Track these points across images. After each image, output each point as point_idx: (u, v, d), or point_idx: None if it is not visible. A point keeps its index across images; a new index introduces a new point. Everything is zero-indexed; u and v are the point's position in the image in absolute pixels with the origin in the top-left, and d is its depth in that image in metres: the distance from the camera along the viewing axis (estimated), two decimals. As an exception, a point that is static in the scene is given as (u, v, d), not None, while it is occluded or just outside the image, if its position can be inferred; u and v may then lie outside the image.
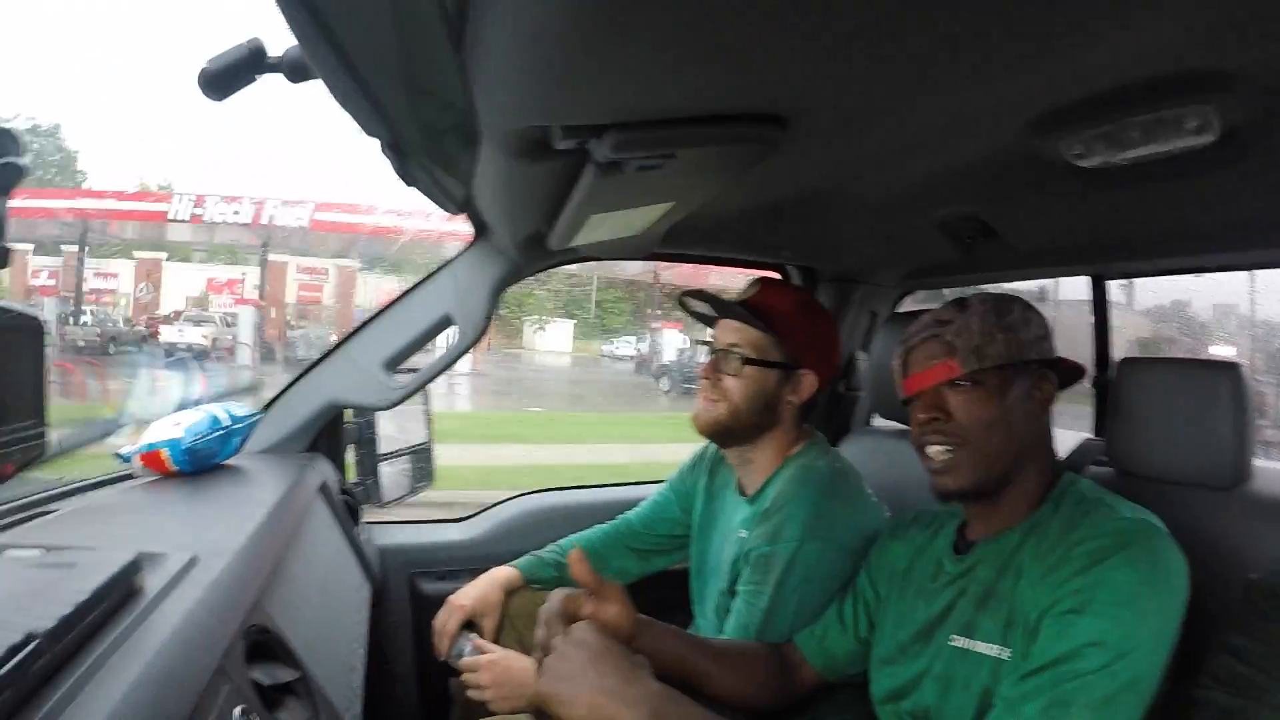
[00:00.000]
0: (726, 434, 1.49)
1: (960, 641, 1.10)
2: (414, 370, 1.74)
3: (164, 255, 27.31)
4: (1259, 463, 1.35)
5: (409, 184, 0.97)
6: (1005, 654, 1.03)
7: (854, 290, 2.17)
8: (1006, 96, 0.93)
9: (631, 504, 1.87)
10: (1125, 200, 1.32)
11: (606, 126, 0.80)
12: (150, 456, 1.30)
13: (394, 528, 1.99)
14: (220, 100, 0.84)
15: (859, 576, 1.34)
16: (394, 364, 1.70)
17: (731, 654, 1.29)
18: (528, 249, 1.51)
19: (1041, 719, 0.89)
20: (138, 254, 26.83)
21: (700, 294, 1.51)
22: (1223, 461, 1.27)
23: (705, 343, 1.54)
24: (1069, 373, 1.22)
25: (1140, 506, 1.04)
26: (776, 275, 2.10)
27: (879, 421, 2.22)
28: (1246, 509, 1.27)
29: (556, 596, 1.15)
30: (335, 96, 0.68)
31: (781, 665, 1.32)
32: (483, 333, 1.69)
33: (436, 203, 1.17)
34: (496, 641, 1.56)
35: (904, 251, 1.89)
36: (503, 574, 1.65)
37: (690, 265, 2.57)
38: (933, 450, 1.14)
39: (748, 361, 1.45)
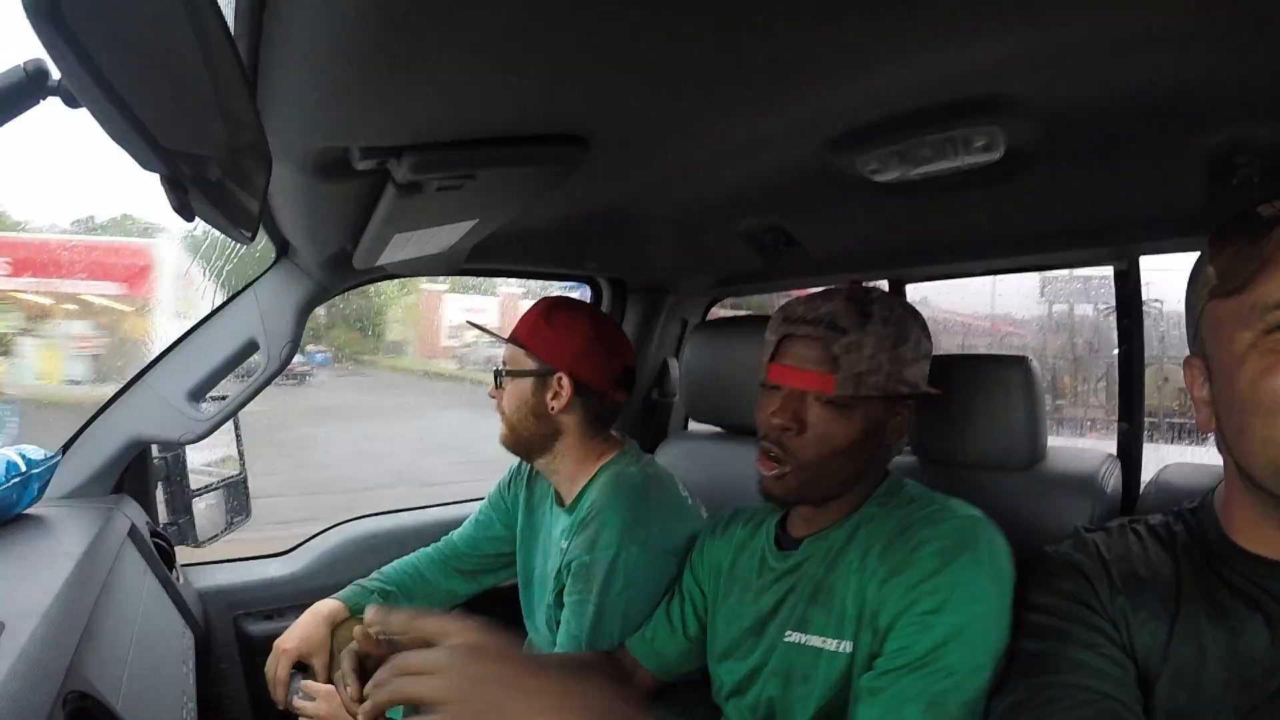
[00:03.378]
0: (519, 448, 1.55)
1: (795, 637, 1.12)
2: (221, 398, 1.64)
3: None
4: (1054, 442, 1.50)
5: (188, 219, 0.92)
6: (844, 646, 1.06)
7: (664, 299, 2.21)
8: (804, 117, 0.96)
9: (455, 523, 1.82)
10: (919, 211, 1.40)
11: (405, 148, 0.78)
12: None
13: (213, 568, 1.84)
14: None
15: (684, 576, 1.35)
16: (199, 394, 1.57)
17: (568, 666, 1.27)
18: (332, 268, 1.45)
19: (925, 718, 0.93)
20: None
21: (480, 327, 1.67)
22: (1019, 445, 1.40)
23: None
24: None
25: (965, 503, 1.09)
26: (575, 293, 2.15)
27: (695, 425, 2.30)
28: (1042, 485, 1.41)
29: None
30: (104, 128, 0.64)
31: (619, 672, 1.33)
32: (290, 356, 1.61)
33: (226, 234, 1.11)
34: (329, 678, 1.49)
35: (711, 261, 1.94)
36: (325, 608, 1.58)
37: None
38: (771, 457, 1.13)
39: (508, 375, 1.52)
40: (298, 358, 1.68)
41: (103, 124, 0.60)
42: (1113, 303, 1.66)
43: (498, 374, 1.54)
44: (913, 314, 1.14)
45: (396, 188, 0.83)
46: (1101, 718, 0.77)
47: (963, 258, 1.75)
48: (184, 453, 1.70)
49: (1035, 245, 1.59)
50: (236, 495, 1.85)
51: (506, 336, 1.55)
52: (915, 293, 2.06)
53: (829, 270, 1.88)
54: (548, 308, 1.54)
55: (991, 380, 1.42)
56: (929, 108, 0.95)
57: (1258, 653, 0.76)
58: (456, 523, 1.82)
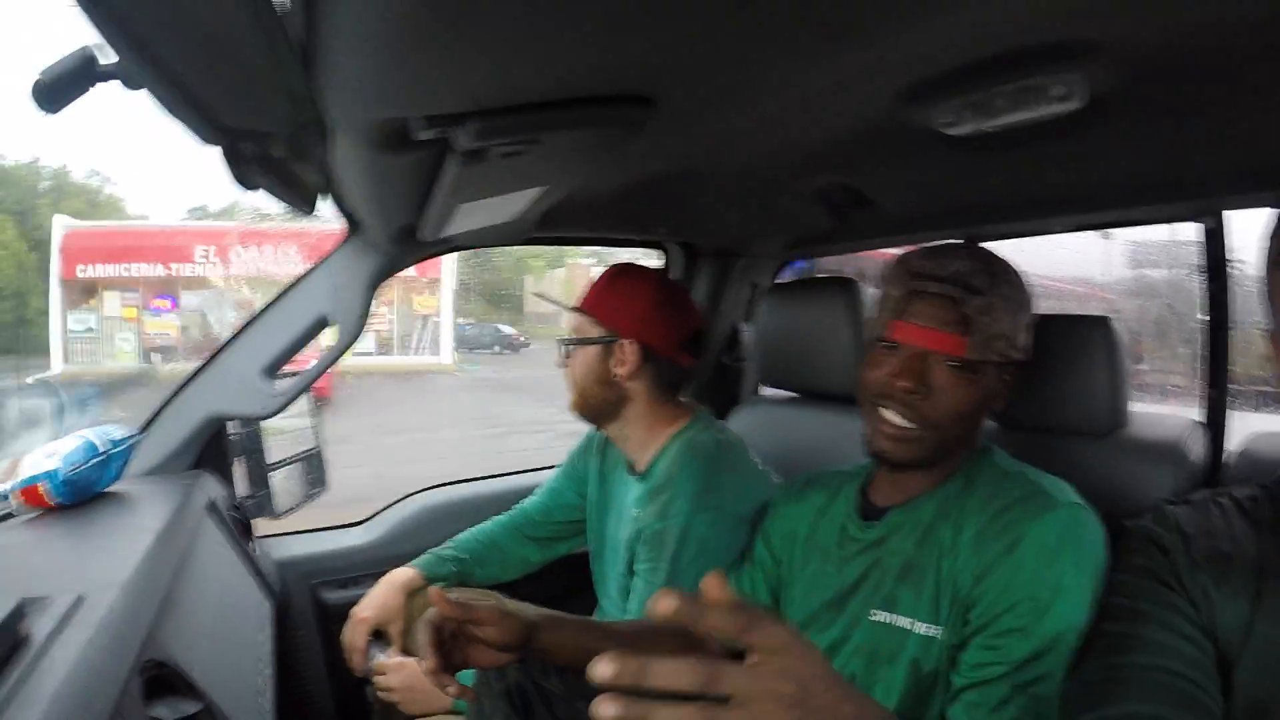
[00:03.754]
0: (587, 413, 1.57)
1: (881, 615, 1.09)
2: (294, 374, 1.68)
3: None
4: (1136, 408, 1.44)
5: (249, 189, 0.93)
6: (935, 631, 1.03)
7: (734, 263, 2.18)
8: (873, 67, 0.92)
9: (528, 492, 1.86)
10: (996, 165, 1.35)
11: (467, 114, 0.77)
12: (29, 492, 1.20)
13: (291, 539, 1.92)
14: (55, 112, 0.79)
15: (756, 544, 1.33)
16: (273, 370, 1.62)
17: (638, 636, 1.27)
18: (400, 242, 1.47)
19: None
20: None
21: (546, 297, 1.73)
22: (1099, 409, 1.35)
23: None
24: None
25: (1062, 483, 1.06)
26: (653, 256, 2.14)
27: (767, 391, 2.27)
28: (1124, 452, 1.36)
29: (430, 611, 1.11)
30: (163, 108, 0.64)
31: (689, 641, 1.33)
32: (360, 330, 1.64)
33: (287, 204, 1.13)
34: (405, 645, 1.53)
35: (781, 223, 1.91)
36: (401, 576, 1.63)
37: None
38: (894, 417, 1.08)
39: (570, 343, 1.55)
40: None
41: (162, 103, 0.61)
42: (1195, 264, 1.58)
43: (565, 343, 1.56)
44: (1027, 288, 1.11)
45: (460, 156, 0.83)
46: (1174, 699, 0.75)
47: (1041, 214, 1.68)
48: (258, 427, 1.74)
49: (1117, 200, 1.52)
50: (313, 468, 1.91)
51: (573, 307, 1.56)
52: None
53: (902, 229, 1.84)
54: (612, 275, 1.55)
55: (1071, 341, 1.37)
56: (1004, 54, 0.90)
57: None
58: (529, 491, 1.85)
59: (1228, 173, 1.28)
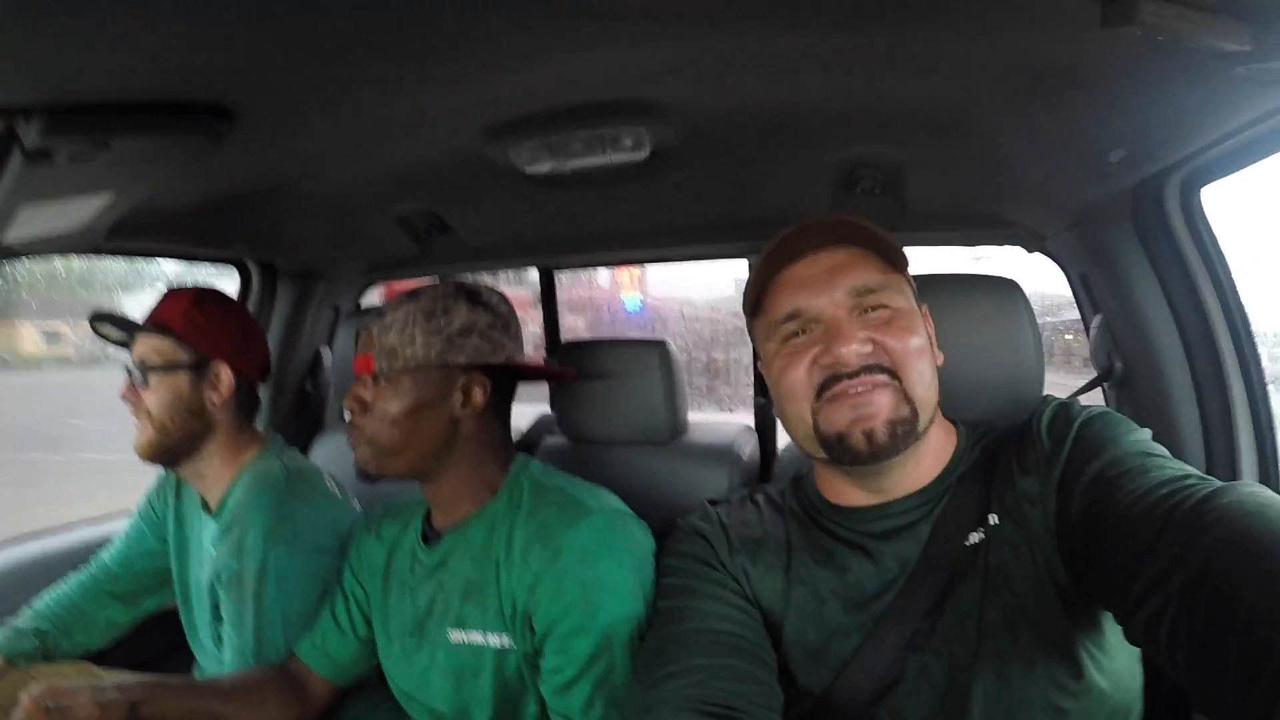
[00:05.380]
0: (167, 454, 1.40)
1: (458, 635, 1.14)
2: None
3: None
4: (695, 417, 1.66)
5: None
6: (506, 642, 1.10)
7: (315, 285, 2.12)
8: (459, 103, 0.99)
9: (104, 542, 1.61)
10: (571, 202, 1.48)
11: (34, 109, 0.71)
12: None
13: None
14: None
15: (345, 575, 1.32)
16: None
17: (241, 688, 1.21)
18: None
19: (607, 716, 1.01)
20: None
21: (108, 316, 1.41)
22: (661, 421, 1.53)
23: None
24: (537, 373, 1.33)
25: (598, 490, 1.17)
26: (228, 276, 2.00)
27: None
28: (685, 457, 1.55)
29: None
30: None
31: (292, 684, 1.27)
32: None
33: None
34: None
35: (363, 245, 1.91)
36: None
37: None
38: (351, 433, 1.17)
39: (151, 369, 1.38)
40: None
41: None
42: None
43: (139, 374, 1.38)
44: (459, 291, 1.19)
45: (24, 155, 0.74)
46: (732, 652, 0.90)
47: (612, 248, 1.89)
48: None
49: (677, 239, 1.76)
50: None
51: (147, 324, 1.40)
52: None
53: (480, 257, 1.94)
54: (197, 295, 1.43)
55: (633, 362, 1.53)
56: (581, 105, 1.02)
57: (865, 580, 0.93)
58: (106, 541, 1.60)
59: (773, 219, 1.47)
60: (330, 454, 1.95)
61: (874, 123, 1.14)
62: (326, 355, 2.19)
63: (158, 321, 1.39)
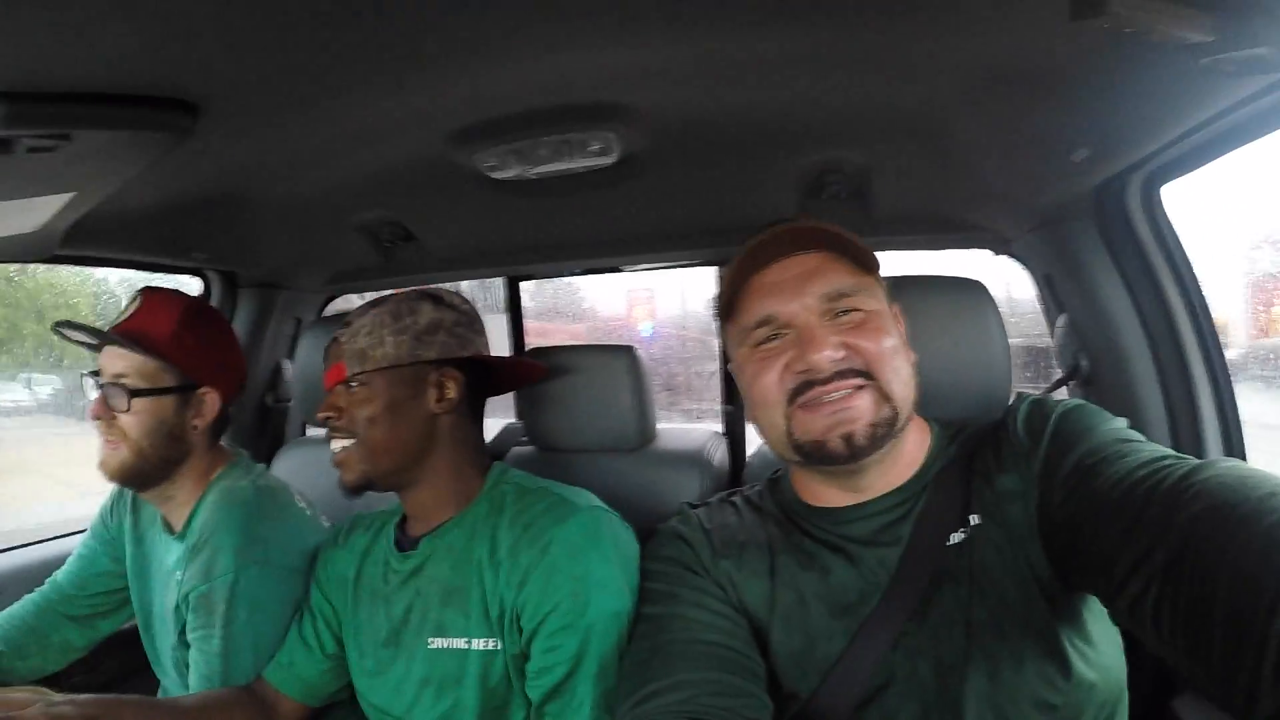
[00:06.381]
0: (139, 478, 1.33)
1: (437, 642, 1.13)
2: None
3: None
4: (664, 425, 1.65)
5: None
6: (493, 644, 1.09)
7: (277, 295, 2.09)
8: (423, 108, 0.99)
9: (59, 562, 1.54)
10: (536, 209, 1.47)
11: None
12: None
13: None
14: None
15: (312, 593, 1.29)
16: None
17: (206, 709, 1.17)
18: None
19: (597, 709, 1.00)
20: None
21: (76, 324, 1.33)
22: (629, 428, 1.53)
23: (94, 374, 1.34)
24: (508, 371, 1.33)
25: (580, 490, 1.18)
26: (176, 283, 1.93)
27: (313, 431, 2.20)
28: (655, 463, 1.55)
29: None
30: None
31: (260, 705, 1.23)
32: None
33: None
34: None
35: (326, 255, 1.89)
36: None
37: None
38: (333, 445, 1.18)
39: (136, 393, 1.31)
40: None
41: None
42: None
43: (117, 393, 1.30)
44: (421, 295, 1.21)
45: None
46: (718, 664, 0.89)
47: (577, 255, 1.89)
48: None
49: (644, 245, 1.76)
50: None
51: (125, 335, 1.32)
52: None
53: (445, 266, 1.93)
54: (185, 311, 1.36)
55: (600, 368, 1.53)
56: (547, 109, 1.02)
57: (849, 583, 0.93)
58: (61, 561, 1.54)
59: (740, 225, 1.50)
60: (293, 468, 1.92)
61: (840, 126, 1.16)
62: (287, 367, 2.15)
63: (139, 335, 1.32)
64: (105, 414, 1.31)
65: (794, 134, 1.18)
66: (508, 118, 1.05)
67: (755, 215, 1.48)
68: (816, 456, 0.91)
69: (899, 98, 1.04)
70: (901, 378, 0.92)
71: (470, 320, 1.22)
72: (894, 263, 1.51)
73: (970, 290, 1.18)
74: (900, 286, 1.10)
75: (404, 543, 1.23)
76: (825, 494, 0.99)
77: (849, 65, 0.94)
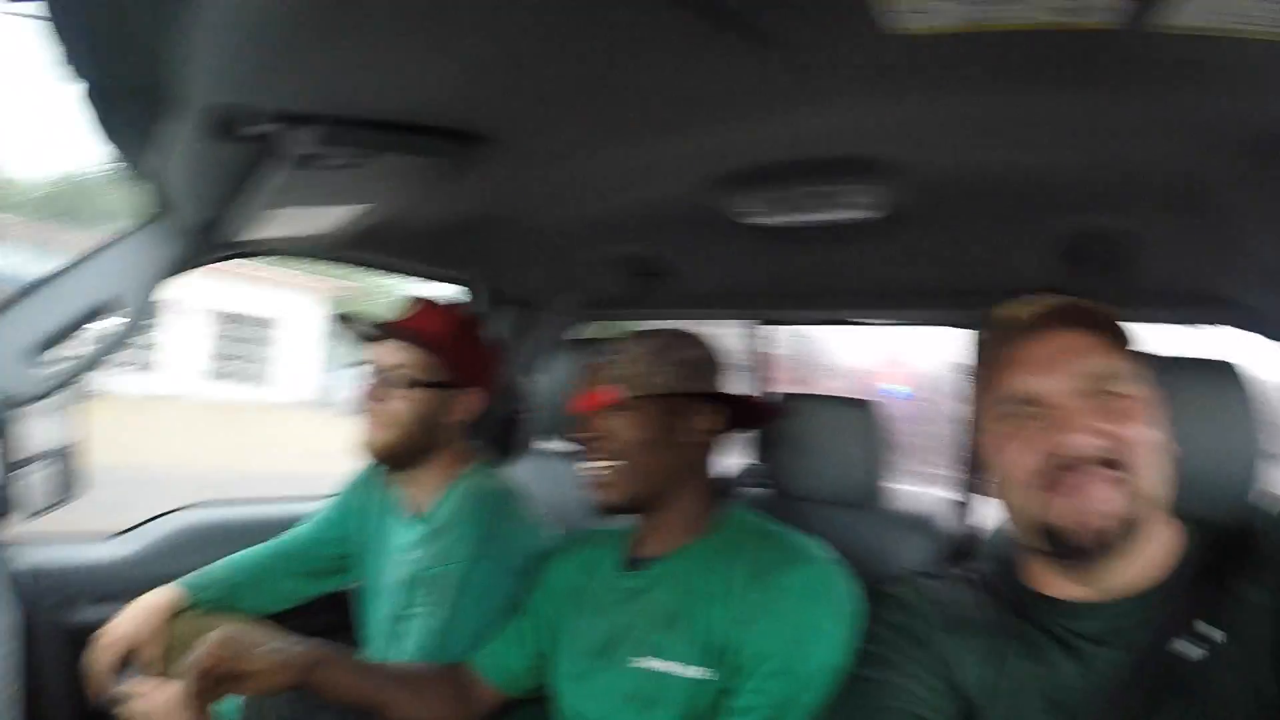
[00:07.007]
0: (398, 458, 1.44)
1: (651, 663, 1.13)
2: (72, 358, 1.44)
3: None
4: (892, 486, 1.59)
5: (109, 137, 0.87)
6: (706, 674, 1.09)
7: (531, 315, 2.19)
8: (694, 152, 1.01)
9: (296, 520, 1.70)
10: (787, 256, 1.46)
11: (315, 117, 0.77)
12: None
13: (32, 547, 1.62)
14: None
15: (534, 594, 1.34)
16: (42, 349, 1.39)
17: (410, 678, 1.25)
18: (207, 236, 1.35)
19: None
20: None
21: (359, 317, 1.47)
22: (861, 483, 1.47)
23: (360, 365, 1.47)
24: (754, 410, 1.31)
25: (815, 541, 1.15)
26: (448, 293, 2.09)
27: (547, 444, 2.29)
28: (884, 523, 1.48)
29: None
30: (51, 26, 0.61)
31: (460, 685, 1.29)
32: (149, 321, 1.45)
33: (126, 164, 1.06)
34: (164, 672, 1.35)
35: (580, 282, 1.96)
36: (165, 596, 1.45)
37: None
38: (594, 466, 1.20)
39: (414, 383, 1.40)
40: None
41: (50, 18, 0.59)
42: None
43: (397, 380, 1.41)
44: (685, 333, 1.23)
45: (295, 158, 0.82)
46: None
47: (824, 305, 1.84)
48: (7, 417, 1.49)
49: (892, 301, 1.70)
50: (63, 468, 1.65)
51: (407, 333, 1.43)
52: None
53: (696, 304, 1.94)
54: (463, 321, 1.48)
55: (837, 420, 1.49)
56: (812, 160, 1.01)
57: (1073, 682, 0.85)
58: (298, 519, 1.71)
59: (1000, 290, 1.46)
60: (526, 476, 2.00)
61: (1102, 190, 1.08)
62: (534, 383, 2.26)
63: (420, 334, 1.43)
64: (378, 395, 1.42)
65: (1054, 194, 1.12)
66: (775, 165, 1.05)
67: (1008, 280, 1.39)
68: (1060, 544, 0.84)
69: (1169, 163, 0.96)
70: (1158, 476, 0.83)
71: (722, 361, 1.25)
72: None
73: (1221, 374, 1.05)
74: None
75: (630, 563, 1.25)
76: (1059, 585, 0.90)
77: (1115, 127, 0.87)
